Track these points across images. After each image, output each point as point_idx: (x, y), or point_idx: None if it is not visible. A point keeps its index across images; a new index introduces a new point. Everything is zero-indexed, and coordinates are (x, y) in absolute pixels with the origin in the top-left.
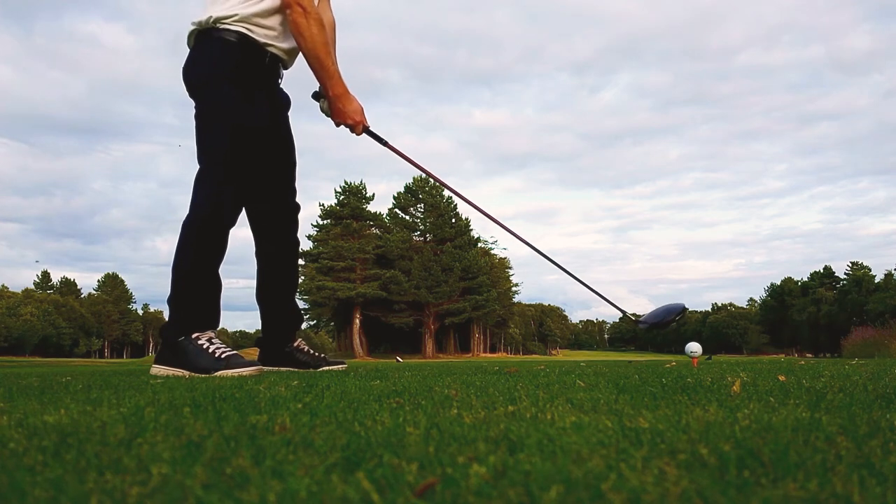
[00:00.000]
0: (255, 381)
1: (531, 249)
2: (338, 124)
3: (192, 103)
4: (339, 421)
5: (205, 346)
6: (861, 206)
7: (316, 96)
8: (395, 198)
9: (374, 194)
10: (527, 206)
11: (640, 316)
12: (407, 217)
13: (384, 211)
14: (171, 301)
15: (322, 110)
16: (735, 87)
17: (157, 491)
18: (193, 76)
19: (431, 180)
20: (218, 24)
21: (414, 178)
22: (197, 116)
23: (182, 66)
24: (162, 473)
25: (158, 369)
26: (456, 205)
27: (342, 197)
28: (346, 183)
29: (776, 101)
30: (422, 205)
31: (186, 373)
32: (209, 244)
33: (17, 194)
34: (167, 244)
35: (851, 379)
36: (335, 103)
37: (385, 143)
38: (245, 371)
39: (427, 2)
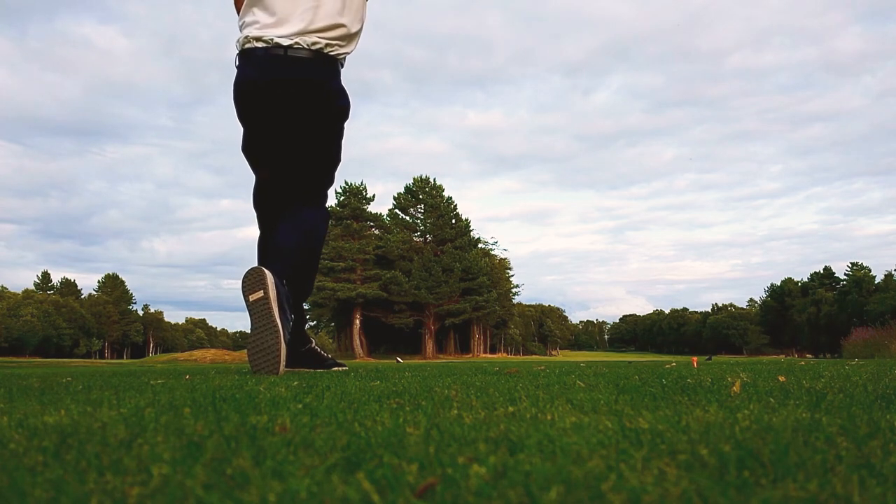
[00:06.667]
0: (255, 382)
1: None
2: None
3: (188, 105)
4: (340, 422)
5: (318, 349)
6: (857, 206)
7: None
8: (395, 198)
9: (374, 195)
10: (523, 206)
11: None
12: (407, 218)
13: (384, 211)
14: (300, 307)
15: None
16: (727, 88)
17: (158, 491)
18: (347, 104)
19: (431, 181)
20: (343, 61)
21: (414, 179)
22: (330, 138)
23: (312, 75)
24: (162, 474)
25: (303, 370)
26: (456, 205)
27: (342, 197)
28: (346, 183)
29: (769, 103)
30: (422, 205)
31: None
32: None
33: (14, 196)
34: (165, 245)
35: (851, 379)
36: None
37: None
38: (340, 369)
39: (417, 4)
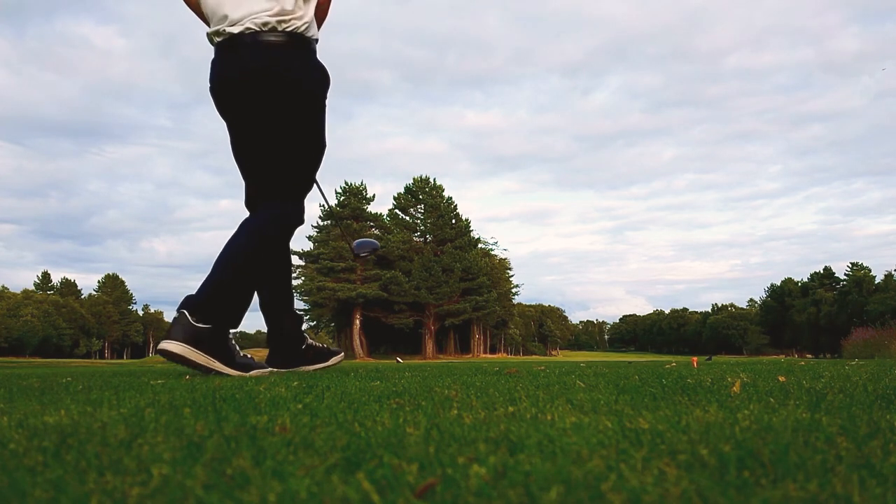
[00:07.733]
0: (255, 382)
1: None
2: None
3: (187, 105)
4: (340, 422)
5: (315, 343)
6: (856, 206)
7: None
8: (395, 198)
9: (374, 195)
10: (523, 206)
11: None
12: (407, 218)
13: (384, 211)
14: (291, 307)
15: None
16: (726, 88)
17: (158, 491)
18: (316, 86)
19: (431, 181)
20: (315, 38)
21: (414, 179)
22: (298, 126)
23: (264, 60)
24: (162, 474)
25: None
26: (456, 206)
27: (342, 198)
28: (346, 184)
29: (767, 103)
30: (422, 206)
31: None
32: (287, 247)
33: (13, 196)
34: (164, 245)
35: (851, 380)
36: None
37: None
38: (337, 358)
39: (415, 4)
